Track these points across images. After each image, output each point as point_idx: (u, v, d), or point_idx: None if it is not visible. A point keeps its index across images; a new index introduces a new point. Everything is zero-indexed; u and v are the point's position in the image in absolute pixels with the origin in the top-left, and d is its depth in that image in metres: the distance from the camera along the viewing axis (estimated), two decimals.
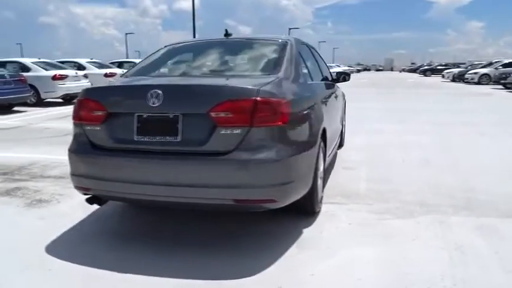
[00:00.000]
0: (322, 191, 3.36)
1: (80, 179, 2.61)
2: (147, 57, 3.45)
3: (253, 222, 3.00)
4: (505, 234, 2.78)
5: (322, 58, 4.75)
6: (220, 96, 2.34)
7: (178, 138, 2.38)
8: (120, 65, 16.69)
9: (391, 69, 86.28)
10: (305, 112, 2.75)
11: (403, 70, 68.24)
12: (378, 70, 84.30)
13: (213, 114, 2.31)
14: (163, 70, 3.16)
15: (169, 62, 3.27)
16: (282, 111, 2.38)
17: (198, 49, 3.46)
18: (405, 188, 3.80)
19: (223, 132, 2.31)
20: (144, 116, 2.44)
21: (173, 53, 3.40)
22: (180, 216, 3.15)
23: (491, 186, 3.79)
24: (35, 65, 12.05)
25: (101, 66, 14.52)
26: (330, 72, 4.95)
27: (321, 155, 3.18)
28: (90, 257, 2.51)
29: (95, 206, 3.11)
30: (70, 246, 2.69)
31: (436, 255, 2.48)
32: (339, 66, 50.48)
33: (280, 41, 3.28)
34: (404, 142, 6.01)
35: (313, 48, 4.37)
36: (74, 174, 2.65)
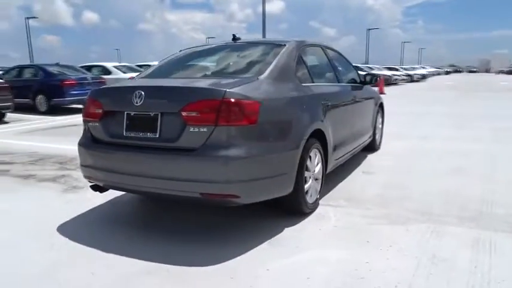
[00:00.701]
0: (319, 192, 3.37)
1: (85, 169, 3.00)
2: (161, 60, 3.78)
3: (239, 216, 3.15)
4: (503, 249, 2.57)
5: (345, 60, 4.71)
6: (190, 97, 2.54)
7: (157, 135, 2.63)
8: None
9: (487, 71, 78.85)
10: (284, 113, 2.82)
11: (501, 72, 61.99)
12: (470, 72, 77.70)
13: (183, 113, 2.51)
14: (163, 72, 3.43)
15: (172, 65, 3.53)
16: (248, 112, 2.49)
17: (203, 53, 3.69)
18: (417, 196, 3.64)
19: (191, 130, 2.50)
20: (132, 114, 2.73)
21: (180, 56, 3.66)
22: (180, 208, 3.41)
23: None
24: (116, 69, 13.47)
25: (129, 70, 14.49)
26: (358, 74, 4.88)
27: (315, 157, 3.22)
28: (88, 236, 2.87)
29: (116, 193, 3.52)
30: (77, 227, 3.09)
31: (404, 263, 2.40)
32: (424, 68, 47.55)
33: (276, 44, 3.37)
34: (448, 149, 5.63)
35: (332, 49, 4.36)
36: (81, 165, 3.04)
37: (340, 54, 4.65)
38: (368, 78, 4.90)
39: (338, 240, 2.77)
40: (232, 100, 2.47)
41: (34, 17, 35.63)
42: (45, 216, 3.31)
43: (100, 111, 2.88)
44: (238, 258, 2.51)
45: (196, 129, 2.49)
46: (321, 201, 3.50)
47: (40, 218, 3.28)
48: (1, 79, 10.38)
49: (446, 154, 5.32)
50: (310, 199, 3.20)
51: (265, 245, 2.69)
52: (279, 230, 2.91)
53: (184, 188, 2.54)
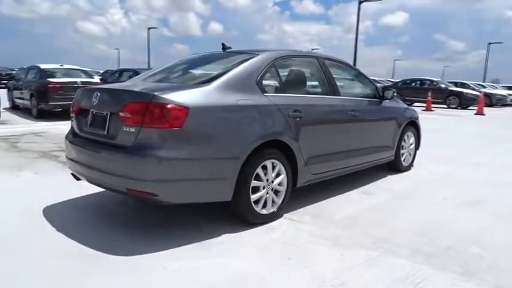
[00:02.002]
0: (279, 205, 3.32)
1: (66, 159, 3.44)
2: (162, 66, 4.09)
3: (195, 216, 3.28)
4: (431, 284, 2.28)
5: (358, 73, 4.51)
6: (126, 99, 2.78)
7: (105, 132, 2.92)
8: None
9: None
10: (223, 121, 2.88)
11: None
12: None
13: (120, 113, 2.76)
14: (145, 77, 3.70)
15: (159, 71, 3.76)
16: (172, 116, 2.62)
17: (190, 61, 3.85)
18: (394, 223, 3.34)
19: (124, 129, 2.73)
20: (94, 112, 3.08)
21: (173, 63, 3.90)
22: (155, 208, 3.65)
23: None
24: None
25: None
26: (377, 89, 4.62)
27: (272, 167, 3.19)
28: (75, 218, 3.30)
29: None
30: (73, 209, 3.54)
31: (301, 285, 2.29)
32: None
33: (250, 54, 3.41)
34: (489, 179, 4.93)
35: (338, 62, 4.24)
36: (65, 156, 3.49)
37: (350, 67, 4.47)
38: (388, 94, 4.60)
39: (263, 252, 2.73)
40: (157, 104, 2.63)
41: (154, 27, 39.61)
42: (50, 198, 3.84)
43: (77, 108, 3.30)
44: (154, 253, 2.65)
45: (128, 129, 2.72)
46: (287, 214, 3.44)
47: (46, 199, 3.82)
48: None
49: (479, 185, 4.67)
50: (263, 210, 3.19)
51: (190, 246, 2.78)
52: (217, 235, 2.97)
53: (116, 182, 2.77)
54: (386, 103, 4.65)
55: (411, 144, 5.25)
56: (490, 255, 2.74)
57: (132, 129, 2.69)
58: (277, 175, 3.28)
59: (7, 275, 2.35)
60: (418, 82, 20.06)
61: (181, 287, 2.27)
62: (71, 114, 3.44)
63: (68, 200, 3.71)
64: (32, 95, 10.57)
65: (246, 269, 2.47)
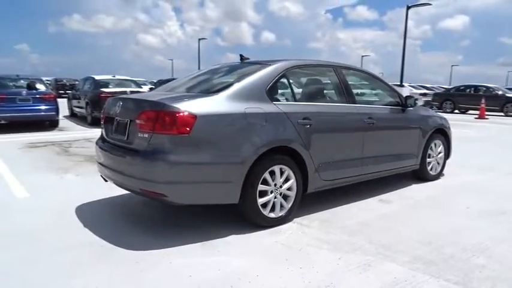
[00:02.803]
0: (288, 209, 3.44)
1: (96, 162, 3.80)
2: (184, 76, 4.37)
3: (210, 217, 3.49)
4: None
5: (379, 81, 4.52)
6: (142, 108, 3.07)
7: (125, 137, 3.23)
8: None
9: None
10: (230, 128, 3.07)
11: None
12: None
13: (137, 120, 3.05)
14: (167, 87, 3.99)
15: (180, 81, 4.03)
16: (180, 123, 2.86)
17: (209, 72, 4.06)
18: (403, 230, 3.34)
19: (139, 135, 3.02)
20: (117, 119, 3.40)
21: (195, 74, 4.15)
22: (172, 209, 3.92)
23: None
24: None
25: None
26: (400, 96, 4.61)
27: (280, 173, 3.33)
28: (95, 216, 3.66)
29: None
30: (102, 208, 3.91)
31: (291, 284, 2.41)
32: None
33: (263, 64, 3.58)
34: None
35: (356, 70, 4.31)
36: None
37: (371, 75, 4.48)
38: (410, 102, 4.56)
39: (263, 253, 2.87)
40: (167, 112, 2.89)
41: (204, 38, 41.08)
42: (74, 197, 4.25)
43: (105, 116, 3.65)
44: (165, 249, 2.89)
45: (142, 135, 3.00)
46: (297, 219, 3.55)
47: (72, 197, 4.23)
48: None
49: (509, 196, 4.47)
50: (271, 214, 3.33)
51: (198, 244, 2.99)
52: (225, 235, 3.16)
53: (132, 183, 3.06)
54: (409, 111, 4.61)
55: (439, 153, 5.12)
56: (493, 267, 2.68)
57: (146, 135, 2.97)
58: (286, 180, 3.41)
59: (28, 261, 2.70)
60: (473, 89, 19.05)
61: (179, 281, 2.47)
62: (101, 122, 3.80)
63: (99, 200, 4.09)
64: (87, 104, 11.54)
65: (242, 267, 2.64)
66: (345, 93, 3.98)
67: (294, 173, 3.44)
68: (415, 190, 4.65)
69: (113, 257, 2.77)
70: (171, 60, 67.80)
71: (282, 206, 3.41)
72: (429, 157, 4.96)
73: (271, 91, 3.41)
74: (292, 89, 3.67)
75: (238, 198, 3.12)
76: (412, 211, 3.89)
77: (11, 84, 10.56)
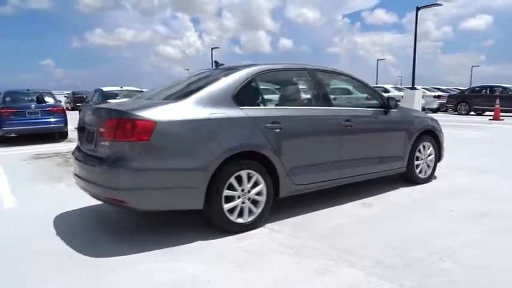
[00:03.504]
0: (258, 215, 3.42)
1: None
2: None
3: (179, 224, 3.50)
4: None
5: (359, 83, 4.45)
6: (105, 117, 3.12)
7: (93, 146, 3.28)
8: None
9: None
10: (191, 134, 3.07)
11: None
12: None
13: (101, 129, 3.10)
14: (143, 96, 4.04)
15: (158, 89, 4.06)
16: (139, 130, 2.89)
17: (186, 79, 4.07)
18: (373, 234, 3.27)
19: (103, 143, 3.07)
20: (87, 128, 3.46)
21: (173, 82, 4.19)
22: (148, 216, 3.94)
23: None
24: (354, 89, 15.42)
25: None
26: (382, 98, 4.53)
27: (247, 178, 3.31)
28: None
29: None
30: (79, 216, 3.98)
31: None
32: None
33: (231, 70, 3.59)
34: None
35: (334, 73, 4.27)
36: None
37: (351, 77, 4.42)
38: (392, 103, 4.48)
39: (224, 259, 2.86)
40: (126, 120, 2.93)
41: (216, 47, 41.43)
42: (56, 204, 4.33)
43: (79, 126, 3.72)
44: (128, 256, 2.91)
45: (105, 143, 3.04)
46: (270, 224, 3.53)
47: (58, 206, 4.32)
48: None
49: (499, 199, 4.31)
50: (239, 219, 3.31)
51: (161, 251, 3.00)
52: (191, 241, 3.16)
53: (98, 191, 3.10)
54: (393, 113, 4.52)
55: (429, 155, 4.99)
56: (458, 271, 2.58)
57: (108, 143, 3.01)
58: (256, 185, 3.39)
59: None
60: (488, 89, 18.53)
61: (131, 286, 2.48)
62: (77, 133, 3.88)
63: (80, 208, 4.15)
64: None
65: (196, 273, 2.63)
66: (321, 96, 3.94)
67: (263, 177, 3.41)
68: (402, 193, 4.54)
69: (74, 264, 2.81)
70: (187, 70, 68.65)
71: (251, 211, 3.39)
72: (417, 159, 4.84)
73: (238, 96, 3.41)
74: (261, 94, 3.66)
75: (203, 204, 3.12)
76: (393, 215, 3.80)
77: (21, 98, 10.95)
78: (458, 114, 18.45)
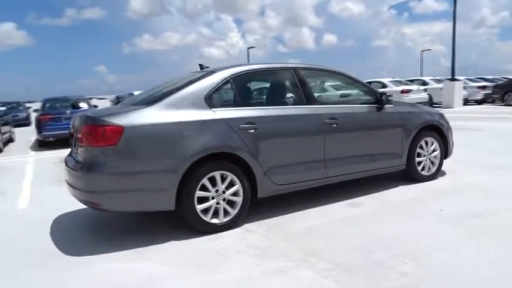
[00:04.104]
0: (235, 215, 3.45)
1: None
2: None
3: (159, 224, 3.61)
4: None
5: (350, 79, 4.34)
6: (81, 123, 3.29)
7: (76, 152, 3.46)
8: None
9: None
10: (160, 138, 3.16)
11: None
12: None
13: (78, 135, 3.27)
14: (129, 100, 4.18)
15: (142, 93, 4.22)
16: (108, 135, 3.02)
17: (165, 83, 4.09)
18: (348, 237, 3.19)
19: (80, 148, 3.23)
20: (74, 135, 3.65)
21: (152, 87, 4.23)
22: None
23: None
24: (390, 83, 16.18)
25: (399, 83, 16.84)
26: (375, 93, 4.38)
27: (221, 179, 3.36)
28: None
29: None
30: (71, 217, 4.21)
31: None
32: None
33: (209, 73, 3.63)
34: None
35: (321, 70, 4.20)
36: None
37: (339, 74, 4.31)
38: (384, 98, 4.32)
39: (188, 259, 2.93)
40: (97, 126, 3.08)
41: (252, 47, 41.62)
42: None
43: (69, 133, 3.93)
44: (101, 255, 3.05)
45: (81, 148, 3.21)
46: (248, 224, 3.55)
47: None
48: None
49: (501, 197, 4.02)
50: (214, 220, 3.36)
51: (132, 251, 3.12)
52: (165, 241, 3.25)
53: (78, 194, 3.27)
54: (388, 108, 4.36)
55: (434, 151, 4.75)
56: (417, 275, 2.48)
57: (83, 148, 3.18)
58: (231, 186, 3.42)
59: None
60: None
61: (92, 283, 2.62)
62: (69, 140, 4.09)
63: (80, 209, 4.34)
64: None
65: (155, 272, 2.72)
66: (303, 95, 3.89)
67: (238, 178, 3.43)
68: (399, 192, 4.37)
69: (51, 261, 2.99)
70: None
71: (227, 212, 3.42)
72: (419, 156, 4.63)
73: (210, 98, 3.45)
74: (236, 95, 3.68)
75: (174, 205, 3.20)
76: (377, 215, 3.68)
77: (58, 105, 11.73)
78: (506, 105, 17.25)
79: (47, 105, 11.93)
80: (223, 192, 3.39)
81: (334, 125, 3.91)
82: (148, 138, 3.16)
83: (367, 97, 4.39)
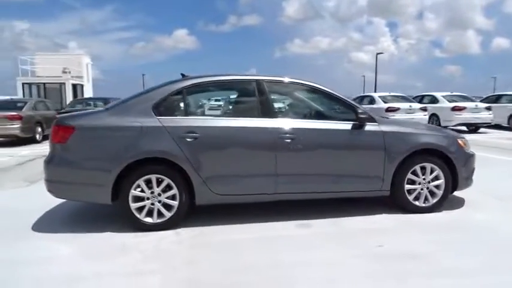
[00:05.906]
0: (169, 218, 3.67)
1: None
2: None
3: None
4: None
5: (316, 96, 4.10)
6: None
7: None
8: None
9: None
10: (102, 139, 3.61)
11: None
12: None
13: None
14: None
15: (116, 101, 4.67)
16: (61, 134, 3.60)
17: (143, 90, 4.45)
18: (217, 263, 3.09)
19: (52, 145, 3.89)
20: None
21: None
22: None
23: None
24: (443, 98, 14.13)
25: (457, 98, 14.38)
26: (355, 110, 4.02)
27: (157, 182, 3.63)
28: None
29: None
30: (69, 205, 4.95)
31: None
32: None
33: (171, 82, 3.92)
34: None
35: (298, 84, 4.16)
36: None
37: (315, 88, 4.06)
38: (364, 116, 3.92)
39: (90, 248, 3.31)
40: (57, 125, 3.68)
41: (381, 53, 39.01)
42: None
43: None
44: (41, 242, 3.51)
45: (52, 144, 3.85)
46: (183, 228, 3.70)
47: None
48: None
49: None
50: (148, 219, 3.65)
51: (62, 235, 3.60)
52: (100, 231, 3.65)
53: (44, 184, 3.92)
54: (369, 126, 3.94)
55: (436, 180, 4.08)
56: None
57: (50, 144, 3.83)
58: (169, 189, 3.65)
59: None
60: None
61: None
62: None
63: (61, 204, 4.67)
64: None
65: (56, 255, 3.16)
66: (259, 107, 3.85)
67: (175, 183, 3.63)
68: (371, 221, 3.91)
69: (17, 238, 3.65)
70: (363, 76, 66.96)
71: (161, 213, 3.66)
72: (412, 184, 4.05)
73: (158, 107, 3.73)
74: (184, 105, 3.85)
75: (110, 200, 3.60)
76: (301, 241, 3.43)
77: (92, 103, 14.36)
78: None
79: None
80: (159, 194, 3.65)
81: (289, 140, 3.77)
82: (93, 139, 3.65)
83: (345, 114, 4.05)
